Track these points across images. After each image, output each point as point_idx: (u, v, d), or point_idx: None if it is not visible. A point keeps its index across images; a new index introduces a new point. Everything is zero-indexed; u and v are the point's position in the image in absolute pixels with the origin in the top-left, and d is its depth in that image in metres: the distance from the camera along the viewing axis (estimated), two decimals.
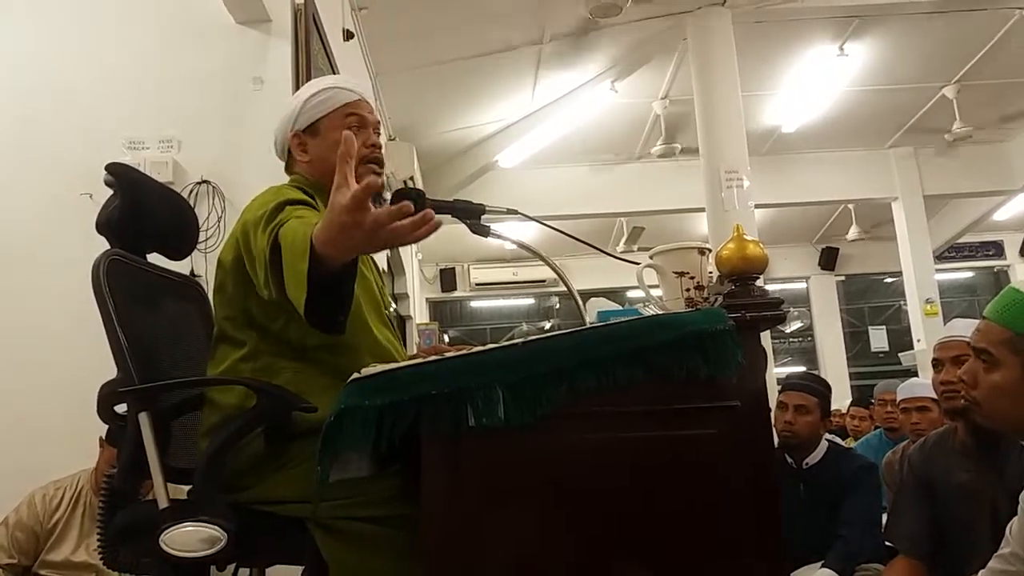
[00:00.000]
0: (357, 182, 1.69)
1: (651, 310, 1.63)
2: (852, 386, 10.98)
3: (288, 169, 1.81)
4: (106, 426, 2.41)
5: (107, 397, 1.59)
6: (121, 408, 1.58)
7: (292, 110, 1.75)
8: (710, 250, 1.60)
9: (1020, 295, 1.32)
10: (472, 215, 1.87)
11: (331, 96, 1.74)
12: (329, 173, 1.71)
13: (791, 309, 10.80)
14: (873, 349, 11.82)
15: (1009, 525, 1.54)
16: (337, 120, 1.73)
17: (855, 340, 12.30)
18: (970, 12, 6.08)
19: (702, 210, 6.14)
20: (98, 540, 1.61)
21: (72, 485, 2.70)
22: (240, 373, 1.57)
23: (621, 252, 9.45)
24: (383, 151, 1.80)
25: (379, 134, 1.79)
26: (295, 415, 1.50)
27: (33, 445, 2.86)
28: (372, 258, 1.82)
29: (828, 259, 11.49)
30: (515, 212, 1.88)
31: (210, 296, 1.75)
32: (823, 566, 2.55)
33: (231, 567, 1.56)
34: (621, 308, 1.78)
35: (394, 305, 7.35)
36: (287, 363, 1.58)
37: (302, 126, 1.74)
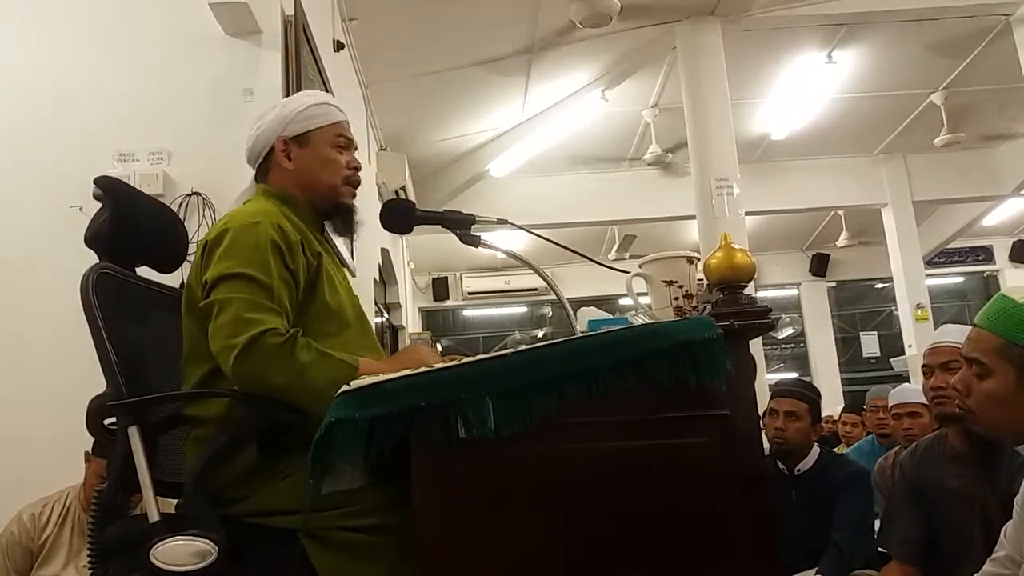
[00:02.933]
0: (339, 200, 1.73)
1: (640, 319, 1.63)
2: (844, 392, 11.01)
3: (260, 175, 1.78)
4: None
5: (96, 411, 1.58)
6: (110, 422, 1.58)
7: (282, 115, 1.74)
8: (698, 259, 1.60)
9: (1010, 302, 1.32)
10: (462, 225, 1.88)
11: (327, 112, 1.76)
12: (311, 186, 1.74)
13: (781, 316, 10.83)
14: (865, 355, 11.88)
15: (1004, 529, 1.55)
16: (328, 136, 1.75)
17: (847, 346, 12.34)
18: (957, 19, 6.13)
19: (693, 217, 6.16)
20: (88, 555, 1.60)
21: (60, 502, 2.68)
22: (215, 384, 1.57)
23: (613, 260, 9.47)
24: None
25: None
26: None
27: (24, 456, 2.84)
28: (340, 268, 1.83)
29: (819, 265, 11.53)
30: (505, 222, 1.88)
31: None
32: (817, 572, 2.55)
33: None
34: (611, 317, 1.78)
35: (386, 315, 7.34)
36: None
37: (292, 133, 1.73)
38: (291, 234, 1.61)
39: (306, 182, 1.74)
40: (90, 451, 2.59)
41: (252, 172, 1.83)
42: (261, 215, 1.61)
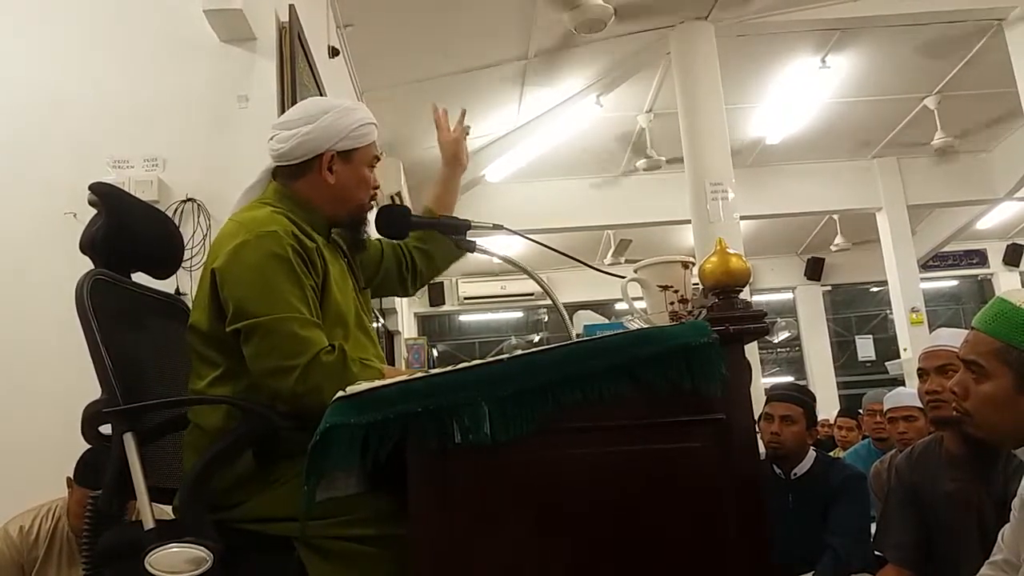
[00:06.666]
0: (362, 216, 1.74)
1: (636, 324, 1.63)
2: (840, 395, 11.02)
3: (286, 175, 1.71)
4: (82, 455, 2.38)
5: (91, 417, 1.58)
6: (105, 428, 1.57)
7: (337, 127, 1.68)
8: (694, 263, 1.60)
9: (1008, 305, 1.33)
10: (458, 231, 1.89)
11: (370, 132, 1.75)
12: (343, 203, 1.72)
13: (777, 320, 10.84)
14: (860, 358, 11.88)
15: (1001, 532, 1.55)
16: (367, 156, 1.75)
17: (842, 350, 12.35)
18: (950, 24, 6.16)
19: (688, 222, 6.17)
20: (83, 562, 1.59)
21: (48, 518, 2.62)
22: (219, 392, 1.56)
23: (608, 264, 9.49)
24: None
25: None
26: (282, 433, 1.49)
27: (17, 464, 2.82)
28: (352, 272, 1.81)
29: (814, 269, 11.55)
30: (500, 227, 1.89)
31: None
32: None
33: None
34: (607, 322, 1.78)
35: (381, 320, 7.34)
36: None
37: (341, 148, 1.69)
38: (305, 240, 1.59)
39: (341, 198, 1.71)
40: (72, 477, 2.53)
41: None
42: (274, 223, 1.57)
